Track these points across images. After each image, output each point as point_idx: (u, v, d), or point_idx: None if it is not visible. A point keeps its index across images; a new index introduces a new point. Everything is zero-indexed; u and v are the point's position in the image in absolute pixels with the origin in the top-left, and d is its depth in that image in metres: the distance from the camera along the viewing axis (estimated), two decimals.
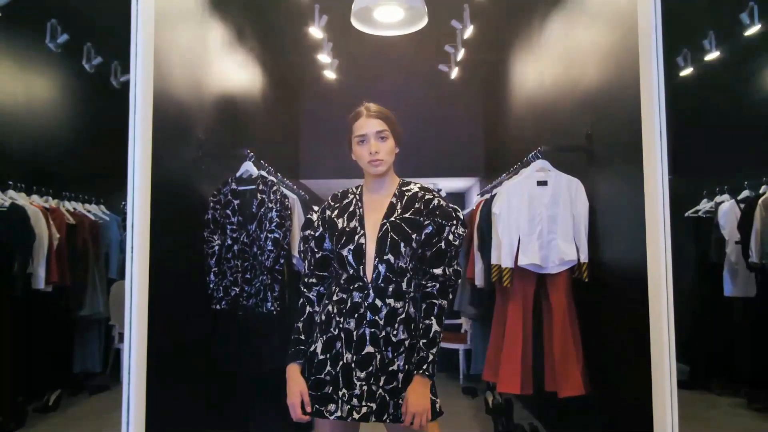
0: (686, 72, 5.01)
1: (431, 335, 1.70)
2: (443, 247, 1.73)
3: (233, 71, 4.12)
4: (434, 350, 1.68)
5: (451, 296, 1.76)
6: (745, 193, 4.48)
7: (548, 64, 4.12)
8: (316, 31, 4.46)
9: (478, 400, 4.74)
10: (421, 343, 1.70)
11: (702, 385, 4.87)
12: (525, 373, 3.09)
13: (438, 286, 1.73)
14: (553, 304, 3.07)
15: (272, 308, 2.99)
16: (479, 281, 3.74)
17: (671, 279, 2.22)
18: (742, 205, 4.36)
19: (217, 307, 3.10)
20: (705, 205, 4.98)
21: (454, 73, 5.61)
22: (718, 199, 4.82)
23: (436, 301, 1.73)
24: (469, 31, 4.59)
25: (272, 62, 5.37)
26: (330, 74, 5.53)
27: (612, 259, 2.86)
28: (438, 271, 1.73)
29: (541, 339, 3.13)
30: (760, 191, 4.26)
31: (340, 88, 6.01)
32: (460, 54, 5.07)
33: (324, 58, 5.09)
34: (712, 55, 4.78)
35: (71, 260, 4.46)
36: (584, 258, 3.02)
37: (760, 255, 4.05)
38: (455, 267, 1.76)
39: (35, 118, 4.83)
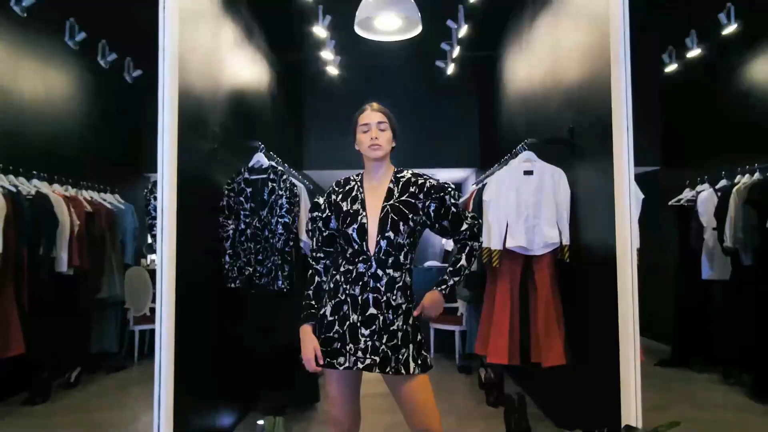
0: (671, 68, 5.29)
1: (458, 267, 2.05)
2: (454, 210, 2.06)
3: (243, 68, 4.39)
4: (456, 279, 2.05)
5: (481, 239, 2.12)
6: (723, 183, 4.76)
7: (537, 62, 4.40)
8: (320, 30, 4.74)
9: (473, 377, 5.06)
10: (448, 271, 2.06)
11: (683, 363, 5.19)
12: (512, 345, 3.40)
13: (468, 233, 2.07)
14: (538, 282, 3.37)
15: (283, 286, 3.29)
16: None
17: (636, 259, 2.51)
18: (720, 194, 4.64)
19: (232, 285, 3.39)
20: (687, 194, 5.27)
21: (450, 69, 5.89)
22: (699, 188, 5.11)
23: (469, 243, 2.07)
24: (463, 30, 4.87)
25: (278, 59, 5.63)
26: (333, 70, 5.80)
27: (589, 241, 3.15)
28: (464, 226, 2.07)
29: (527, 314, 3.43)
30: (735, 181, 4.54)
31: (342, 84, 6.29)
32: (456, 51, 5.35)
33: (327, 55, 5.36)
34: (694, 53, 5.05)
35: (90, 246, 4.74)
36: (566, 241, 3.32)
37: (733, 240, 4.34)
38: (471, 215, 2.11)
39: (54, 111, 5.11)
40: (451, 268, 2.06)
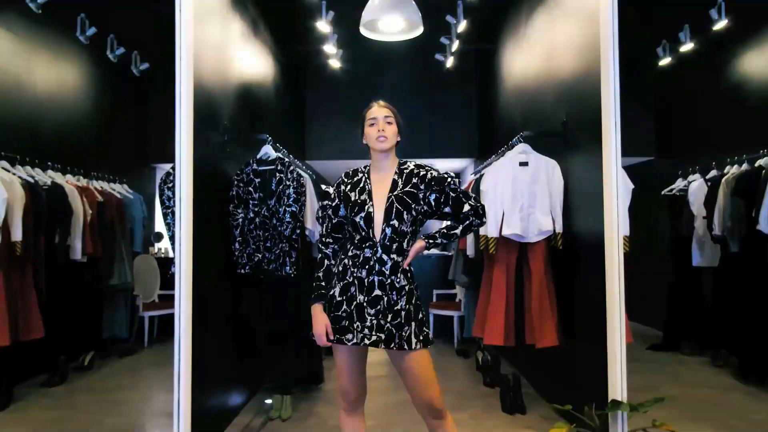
0: (665, 62, 5.44)
1: (451, 232, 2.23)
2: (454, 195, 2.22)
3: (250, 62, 4.53)
4: (444, 240, 2.24)
5: (484, 219, 2.27)
6: (713, 173, 4.92)
7: (532, 57, 4.54)
8: (323, 25, 4.88)
9: (471, 360, 5.26)
10: (441, 231, 2.23)
11: (674, 347, 5.38)
12: (508, 327, 3.58)
13: (472, 212, 2.22)
14: (532, 268, 3.55)
15: (290, 272, 3.46)
16: (470, 251, 4.21)
17: (622, 246, 2.68)
18: (710, 184, 4.80)
19: (242, 271, 3.56)
20: (679, 184, 5.44)
21: (450, 62, 6.03)
22: (690, 178, 5.27)
23: (470, 218, 2.22)
24: (462, 25, 5.01)
25: (282, 53, 5.77)
26: (335, 63, 5.95)
27: (581, 229, 3.33)
28: (466, 207, 2.22)
29: (521, 298, 3.60)
30: (725, 171, 4.71)
31: (343, 77, 6.45)
32: (455, 45, 5.49)
33: (329, 48, 5.50)
34: (687, 47, 5.20)
35: (101, 234, 4.91)
36: (559, 229, 3.49)
37: (721, 228, 4.51)
38: (472, 197, 2.26)
39: (66, 104, 5.27)
40: (444, 230, 2.23)
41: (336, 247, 2.29)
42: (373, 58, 6.62)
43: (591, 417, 2.79)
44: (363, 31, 2.96)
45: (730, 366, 4.62)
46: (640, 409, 2.64)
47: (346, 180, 2.29)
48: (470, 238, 4.13)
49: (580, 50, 3.29)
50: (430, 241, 2.21)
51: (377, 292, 2.13)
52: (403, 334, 2.11)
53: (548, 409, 3.70)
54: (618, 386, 2.68)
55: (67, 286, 4.65)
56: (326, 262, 2.27)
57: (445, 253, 6.59)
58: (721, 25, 4.72)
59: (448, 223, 2.28)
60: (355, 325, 2.12)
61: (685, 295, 5.34)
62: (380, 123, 2.21)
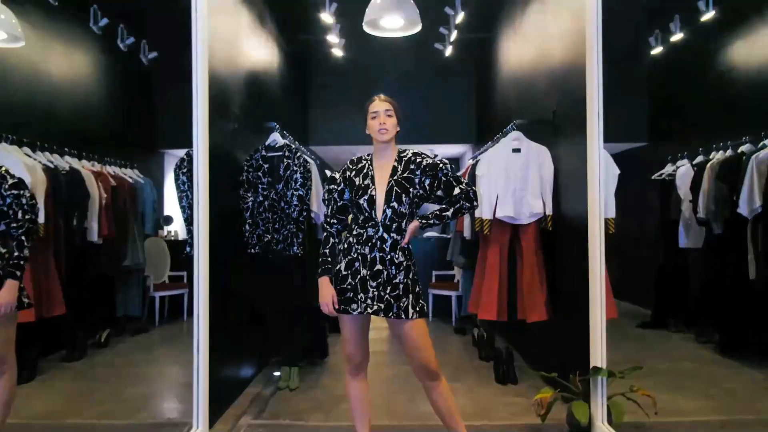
0: (657, 51, 5.62)
1: (443, 214, 2.45)
2: (445, 178, 2.44)
3: (258, 52, 4.73)
4: (436, 221, 2.46)
5: (475, 203, 2.48)
6: (699, 159, 5.13)
7: (527, 47, 4.74)
8: (326, 17, 5.08)
9: (467, 336, 5.52)
10: (434, 213, 2.45)
11: (662, 325, 5.63)
12: (500, 303, 3.83)
13: (463, 195, 2.43)
14: (524, 248, 3.79)
15: (297, 251, 3.70)
16: (467, 233, 4.45)
17: (603, 227, 2.91)
18: (696, 169, 5.02)
19: (252, 251, 3.81)
20: (668, 169, 5.65)
21: (448, 51, 6.23)
22: (679, 163, 5.49)
23: (461, 202, 2.43)
24: (460, 17, 5.21)
25: (287, 43, 5.96)
26: (337, 52, 6.14)
27: (568, 212, 3.56)
28: (456, 190, 2.43)
29: (514, 277, 3.85)
30: (710, 156, 4.92)
31: (345, 66, 6.64)
32: (453, 35, 5.68)
33: (332, 38, 5.70)
34: (677, 37, 5.39)
35: (115, 217, 5.14)
36: (549, 211, 3.73)
37: (705, 211, 4.74)
38: (463, 182, 2.47)
39: (80, 92, 5.48)
40: (437, 212, 2.46)
41: (340, 227, 2.53)
42: (375, 47, 6.79)
43: (575, 383, 3.05)
44: (366, 28, 3.18)
45: (713, 342, 4.87)
46: (617, 375, 2.90)
47: (351, 167, 2.52)
48: (467, 221, 4.37)
49: (569, 42, 3.48)
50: (424, 221, 2.44)
51: (378, 266, 2.37)
52: (401, 304, 2.35)
53: (538, 379, 3.95)
54: (598, 355, 2.94)
55: (85, 266, 4.88)
56: (331, 240, 2.50)
57: (444, 235, 6.83)
58: (708, 16, 4.91)
59: (442, 205, 2.51)
60: (359, 297, 2.37)
61: (672, 276, 5.57)
62: (381, 116, 2.43)
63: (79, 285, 4.81)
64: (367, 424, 2.55)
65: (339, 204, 2.51)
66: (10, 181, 2.62)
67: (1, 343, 2.57)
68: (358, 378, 2.53)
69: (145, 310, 6.12)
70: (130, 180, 5.65)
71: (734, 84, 4.98)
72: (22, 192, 2.65)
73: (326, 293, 2.40)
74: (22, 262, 2.57)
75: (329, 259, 2.46)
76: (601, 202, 2.90)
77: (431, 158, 2.48)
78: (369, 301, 2.35)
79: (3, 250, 2.56)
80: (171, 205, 6.42)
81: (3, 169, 2.67)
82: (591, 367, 2.95)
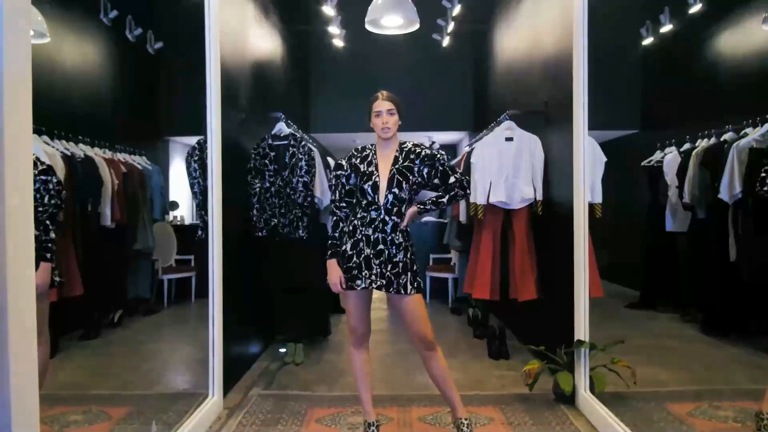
0: (648, 41, 5.81)
1: (439, 200, 2.68)
2: (441, 168, 2.66)
3: (262, 43, 4.92)
4: (432, 207, 2.68)
5: (468, 191, 2.71)
6: (686, 146, 5.35)
7: (520, 38, 4.93)
8: (328, 9, 5.26)
9: (463, 317, 5.77)
10: (430, 199, 2.66)
11: (650, 305, 5.88)
12: (494, 283, 4.07)
13: (458, 184, 2.65)
14: (516, 232, 4.02)
15: (303, 234, 3.94)
16: (462, 218, 4.69)
17: (587, 211, 3.14)
18: (682, 156, 5.23)
19: (259, 234, 4.04)
20: (657, 156, 5.87)
21: (446, 41, 6.41)
22: (667, 150, 5.70)
23: (456, 190, 2.66)
24: (457, 9, 5.39)
25: (289, 33, 6.14)
26: (338, 43, 6.33)
27: (556, 197, 3.79)
28: (452, 179, 2.65)
29: (506, 258, 4.09)
30: (696, 144, 5.13)
31: (345, 56, 6.82)
32: (450, 27, 5.87)
33: (333, 30, 5.88)
34: (667, 28, 5.57)
35: (126, 203, 5.36)
36: (539, 196, 3.96)
37: (690, 196, 4.96)
38: (458, 171, 2.69)
39: (92, 81, 5.65)
40: (434, 199, 2.68)
41: (348, 211, 2.75)
42: (375, 38, 6.96)
43: (560, 356, 3.30)
44: (368, 26, 3.39)
45: (697, 321, 5.12)
46: (599, 348, 3.15)
47: (356, 154, 2.75)
48: (462, 206, 4.60)
49: (560, 34, 3.68)
50: (421, 206, 2.67)
51: (380, 246, 2.61)
52: (401, 281, 2.59)
53: (528, 354, 4.21)
54: (582, 329, 3.18)
55: (99, 249, 5.10)
56: (341, 224, 2.72)
57: (441, 220, 7.06)
58: (696, 8, 5.10)
59: (438, 193, 2.73)
60: (363, 273, 2.60)
61: (659, 258, 5.81)
62: (384, 116, 2.64)
63: (94, 268, 5.05)
64: (369, 392, 2.80)
65: (346, 188, 2.73)
66: (40, 168, 2.84)
67: (39, 318, 2.80)
68: (361, 350, 2.77)
69: (153, 292, 6.38)
70: (140, 167, 5.86)
71: (720, 74, 5.18)
72: (49, 178, 2.87)
73: (334, 274, 2.64)
74: (50, 245, 2.79)
75: (337, 242, 2.69)
76: (585, 188, 3.12)
77: (429, 149, 2.71)
78: (373, 277, 2.59)
79: (36, 233, 2.78)
80: (175, 191, 6.62)
81: (33, 156, 2.88)
82: (575, 339, 3.19)
